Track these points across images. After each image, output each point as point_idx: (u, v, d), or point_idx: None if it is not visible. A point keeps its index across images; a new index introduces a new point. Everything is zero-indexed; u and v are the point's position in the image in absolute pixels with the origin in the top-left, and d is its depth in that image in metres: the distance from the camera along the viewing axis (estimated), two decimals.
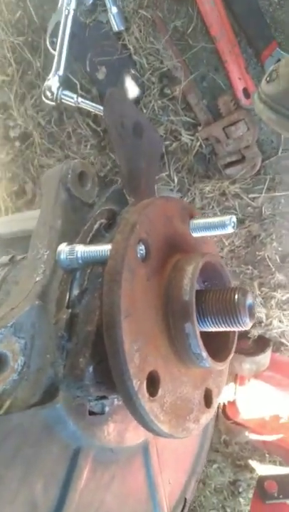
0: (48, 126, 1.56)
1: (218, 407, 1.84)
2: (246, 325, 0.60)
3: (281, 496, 1.35)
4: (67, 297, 0.62)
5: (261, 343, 1.61)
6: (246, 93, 1.35)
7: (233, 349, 0.66)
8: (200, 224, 0.72)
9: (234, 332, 0.68)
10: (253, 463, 1.91)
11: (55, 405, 0.57)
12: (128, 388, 0.52)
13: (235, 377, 1.72)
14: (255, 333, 1.61)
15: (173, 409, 0.58)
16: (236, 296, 0.61)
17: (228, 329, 0.62)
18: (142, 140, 0.88)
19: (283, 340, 1.63)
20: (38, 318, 0.60)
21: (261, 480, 1.38)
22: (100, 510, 0.65)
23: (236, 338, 0.67)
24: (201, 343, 0.58)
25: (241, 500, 1.94)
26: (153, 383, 0.56)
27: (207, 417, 0.66)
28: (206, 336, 0.65)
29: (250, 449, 1.91)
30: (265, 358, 1.57)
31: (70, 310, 0.61)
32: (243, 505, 1.93)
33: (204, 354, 0.59)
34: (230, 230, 0.69)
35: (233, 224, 0.69)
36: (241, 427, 1.71)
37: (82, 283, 0.64)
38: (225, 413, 1.76)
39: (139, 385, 0.53)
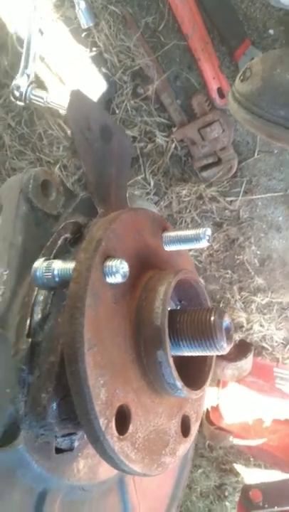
0: (19, 128, 1.48)
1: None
2: (223, 349, 0.55)
3: (266, 505, 1.32)
4: (28, 323, 0.56)
5: (243, 348, 1.58)
6: (221, 93, 1.31)
7: (211, 374, 0.61)
8: (173, 237, 0.67)
9: (212, 356, 0.63)
10: (238, 467, 1.89)
11: (17, 447, 0.51)
12: (94, 428, 0.47)
13: (218, 382, 1.70)
14: (237, 337, 1.58)
15: (146, 445, 0.53)
16: (212, 318, 0.56)
17: (203, 353, 0.57)
18: (111, 144, 0.82)
19: (264, 345, 1.60)
20: None
21: (246, 489, 1.35)
22: None
23: (214, 362, 0.62)
24: (175, 372, 0.53)
25: (228, 503, 1.92)
26: (123, 419, 0.50)
27: (185, 446, 0.61)
28: (181, 361, 0.60)
29: (234, 453, 1.89)
30: (247, 363, 1.55)
31: (30, 339, 0.54)
32: (230, 509, 1.91)
33: (179, 384, 0.54)
34: (204, 243, 0.64)
35: (207, 237, 0.64)
36: (225, 433, 1.69)
37: (45, 307, 0.57)
38: (208, 419, 1.74)
39: (106, 424, 0.47)
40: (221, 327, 0.56)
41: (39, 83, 1.33)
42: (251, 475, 1.81)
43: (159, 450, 0.55)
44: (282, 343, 1.58)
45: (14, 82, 1.30)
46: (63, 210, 0.70)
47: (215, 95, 1.31)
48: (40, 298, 0.58)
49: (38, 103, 1.33)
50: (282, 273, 1.50)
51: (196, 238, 0.65)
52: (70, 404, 0.50)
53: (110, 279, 0.53)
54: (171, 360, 0.53)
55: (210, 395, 1.70)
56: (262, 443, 1.58)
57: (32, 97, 1.31)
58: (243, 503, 1.30)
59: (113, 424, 0.48)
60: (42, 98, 1.31)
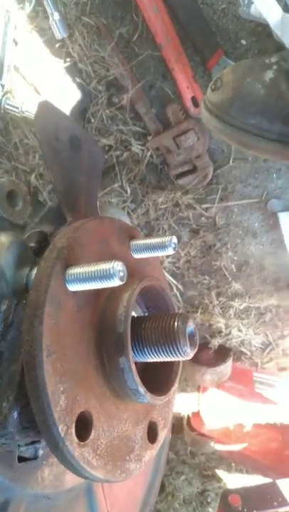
0: None
1: (182, 419, 1.81)
2: (187, 354, 0.56)
3: (245, 510, 1.32)
4: None
5: (222, 353, 1.60)
6: (195, 102, 1.32)
7: (177, 380, 0.62)
8: (140, 245, 0.68)
9: (178, 362, 0.63)
10: (220, 472, 1.89)
11: None
12: (53, 435, 0.47)
13: (198, 388, 1.71)
14: (216, 343, 1.59)
15: (109, 451, 0.53)
16: (176, 324, 0.57)
17: (168, 359, 0.57)
18: (80, 153, 0.83)
19: (243, 349, 1.62)
20: None
21: (225, 494, 1.36)
22: None
23: (180, 368, 0.63)
24: (137, 377, 0.54)
25: (210, 510, 1.92)
26: (84, 426, 0.51)
27: (151, 453, 0.61)
28: (147, 368, 0.61)
29: (216, 459, 1.89)
30: (226, 368, 1.56)
31: None
32: None
33: (142, 390, 0.54)
34: (170, 251, 0.66)
35: (173, 245, 0.66)
36: (207, 438, 1.69)
37: (8, 316, 0.57)
38: (190, 425, 1.74)
39: (66, 430, 0.48)
40: (185, 333, 0.57)
41: (14, 93, 1.33)
42: (233, 480, 1.81)
43: (123, 456, 0.56)
44: (261, 348, 1.60)
45: None
46: (30, 219, 0.71)
47: (189, 104, 1.33)
48: (3, 308, 0.58)
49: (13, 113, 1.33)
50: (259, 278, 1.52)
51: (163, 246, 0.66)
52: (31, 412, 0.51)
53: (72, 287, 0.54)
54: (133, 366, 0.54)
55: (190, 401, 1.71)
56: (243, 448, 1.59)
57: (7, 106, 1.32)
58: (222, 508, 1.30)
59: (73, 430, 0.48)
60: (17, 108, 1.32)
